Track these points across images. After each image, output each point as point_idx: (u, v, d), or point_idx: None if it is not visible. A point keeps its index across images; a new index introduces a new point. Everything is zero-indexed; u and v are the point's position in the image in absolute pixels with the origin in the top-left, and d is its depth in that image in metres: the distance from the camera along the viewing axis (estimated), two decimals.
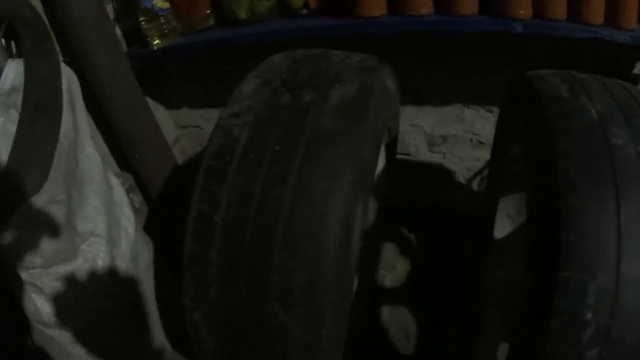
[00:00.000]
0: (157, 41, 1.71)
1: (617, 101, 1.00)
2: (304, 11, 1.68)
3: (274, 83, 1.09)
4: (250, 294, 0.96)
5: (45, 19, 1.35)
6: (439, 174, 2.20)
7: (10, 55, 1.22)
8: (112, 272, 1.40)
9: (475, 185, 2.19)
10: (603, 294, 0.80)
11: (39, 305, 1.22)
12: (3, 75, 1.15)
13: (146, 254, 1.55)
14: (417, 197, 2.19)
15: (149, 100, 1.86)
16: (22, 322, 1.25)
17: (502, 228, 1.59)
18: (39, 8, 1.38)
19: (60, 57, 1.34)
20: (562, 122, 0.96)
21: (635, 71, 1.74)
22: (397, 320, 1.82)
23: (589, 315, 0.80)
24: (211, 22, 1.76)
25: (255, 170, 0.96)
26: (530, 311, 0.91)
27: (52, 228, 1.22)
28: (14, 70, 1.17)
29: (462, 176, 2.20)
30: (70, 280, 1.28)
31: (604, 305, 0.80)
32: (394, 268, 2.04)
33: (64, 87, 1.29)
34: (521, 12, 1.50)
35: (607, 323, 0.80)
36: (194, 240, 1.00)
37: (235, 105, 1.07)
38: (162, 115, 2.05)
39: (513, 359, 0.99)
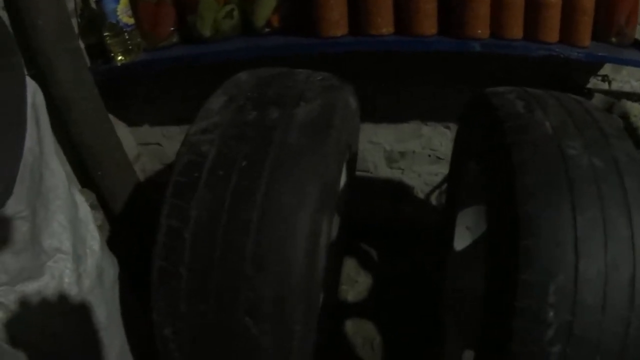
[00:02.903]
0: (120, 57, 1.70)
1: (571, 114, 1.06)
2: (267, 30, 1.70)
3: (240, 101, 1.11)
4: (220, 308, 0.97)
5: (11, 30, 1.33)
6: (398, 189, 2.23)
7: None
8: (78, 290, 1.39)
9: (433, 199, 2.23)
10: (563, 293, 0.84)
11: (5, 323, 1.20)
12: None
13: (111, 271, 1.53)
14: (376, 212, 2.22)
15: (110, 117, 1.85)
16: None
17: (461, 239, 1.63)
18: (5, 20, 1.36)
19: (26, 71, 1.33)
20: (519, 135, 1.01)
21: (589, 86, 1.83)
22: (362, 334, 1.84)
23: (550, 314, 0.85)
24: (175, 39, 1.76)
25: (224, 186, 0.98)
26: (494, 313, 0.96)
27: (17, 244, 1.20)
28: None
29: (420, 191, 2.24)
30: (38, 297, 1.26)
31: (564, 303, 0.84)
32: (355, 282, 2.05)
33: (29, 101, 1.26)
34: (479, 32, 1.55)
35: (568, 320, 0.84)
36: (163, 256, 1.00)
37: (203, 122, 1.09)
38: (122, 131, 2.01)
39: None
